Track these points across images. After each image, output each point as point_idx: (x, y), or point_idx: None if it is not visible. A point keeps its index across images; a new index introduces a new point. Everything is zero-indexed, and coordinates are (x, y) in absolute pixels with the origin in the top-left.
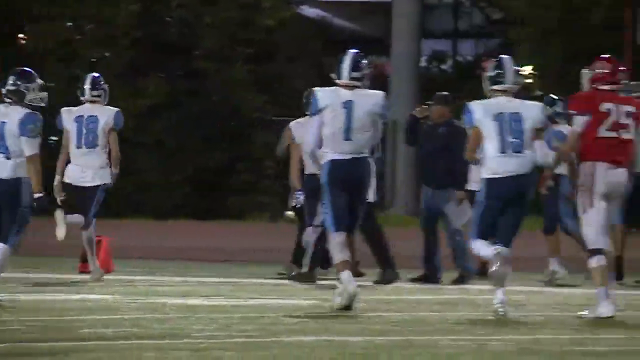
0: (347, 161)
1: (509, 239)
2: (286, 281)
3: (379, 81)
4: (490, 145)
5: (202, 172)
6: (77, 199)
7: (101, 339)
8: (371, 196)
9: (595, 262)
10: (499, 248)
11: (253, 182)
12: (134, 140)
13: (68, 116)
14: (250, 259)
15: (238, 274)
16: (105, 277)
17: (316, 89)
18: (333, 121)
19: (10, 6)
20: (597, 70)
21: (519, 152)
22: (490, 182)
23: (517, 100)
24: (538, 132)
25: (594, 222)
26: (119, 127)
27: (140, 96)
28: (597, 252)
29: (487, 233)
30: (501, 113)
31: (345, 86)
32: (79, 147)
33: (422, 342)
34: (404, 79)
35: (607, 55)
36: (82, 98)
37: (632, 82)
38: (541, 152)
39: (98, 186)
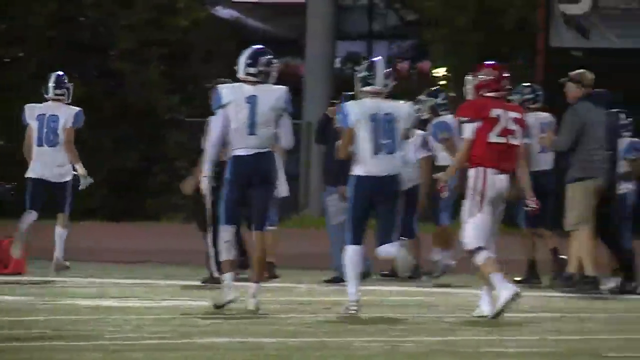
0: (252, 156)
1: (388, 237)
2: (199, 283)
3: (292, 82)
4: (365, 146)
5: (118, 173)
6: (42, 193)
7: (13, 341)
8: (283, 190)
9: (482, 257)
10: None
11: (168, 183)
12: None
13: (31, 113)
14: (165, 260)
15: (153, 276)
16: (20, 278)
17: (220, 85)
18: (237, 116)
19: None
20: (482, 77)
21: (391, 153)
22: (360, 181)
23: (389, 101)
24: (408, 131)
25: (479, 226)
26: (76, 126)
27: None
28: (479, 249)
29: (358, 231)
30: (376, 114)
31: (247, 81)
32: (40, 145)
33: (335, 344)
34: (319, 80)
35: (492, 62)
36: (45, 96)
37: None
38: (411, 151)
39: (65, 183)
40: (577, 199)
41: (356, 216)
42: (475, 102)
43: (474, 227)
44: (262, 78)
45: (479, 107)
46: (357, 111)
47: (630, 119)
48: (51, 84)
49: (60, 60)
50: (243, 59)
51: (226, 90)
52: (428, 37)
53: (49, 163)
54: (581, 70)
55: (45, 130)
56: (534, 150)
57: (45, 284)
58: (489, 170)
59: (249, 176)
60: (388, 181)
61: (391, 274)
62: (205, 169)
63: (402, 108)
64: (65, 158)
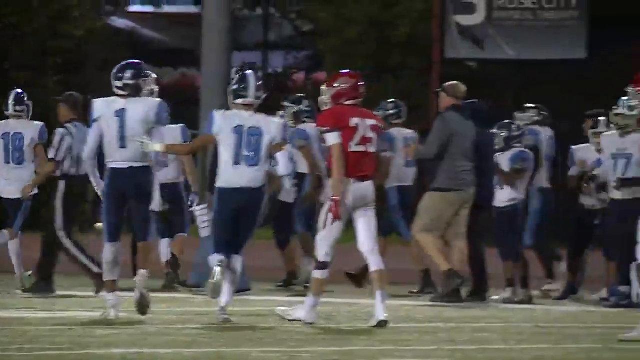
0: (124, 170)
1: (238, 249)
2: (94, 293)
3: (190, 92)
4: (226, 156)
5: None
6: (9, 211)
7: None
8: (156, 205)
9: (320, 274)
10: (221, 259)
11: None
12: None
13: None
14: (59, 271)
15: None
16: None
17: (95, 100)
18: (108, 130)
19: None
20: (339, 86)
21: (253, 165)
22: (222, 193)
23: (260, 115)
24: (278, 147)
25: (332, 236)
26: (41, 142)
27: None
28: (324, 265)
29: (222, 243)
30: (241, 126)
31: (119, 95)
32: (7, 162)
33: (232, 354)
34: (215, 91)
35: (347, 71)
36: (6, 113)
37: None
38: (283, 164)
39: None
40: (430, 208)
41: (219, 227)
42: (335, 111)
43: (324, 240)
44: (130, 91)
45: (339, 116)
46: (221, 122)
47: (522, 130)
48: (11, 102)
49: None
50: (112, 73)
51: (98, 104)
52: (322, 47)
53: (14, 179)
54: (454, 82)
55: (11, 149)
56: (398, 164)
57: None
58: (351, 180)
59: (123, 189)
60: (248, 193)
61: (285, 284)
62: (93, 183)
63: (272, 124)
64: (31, 174)
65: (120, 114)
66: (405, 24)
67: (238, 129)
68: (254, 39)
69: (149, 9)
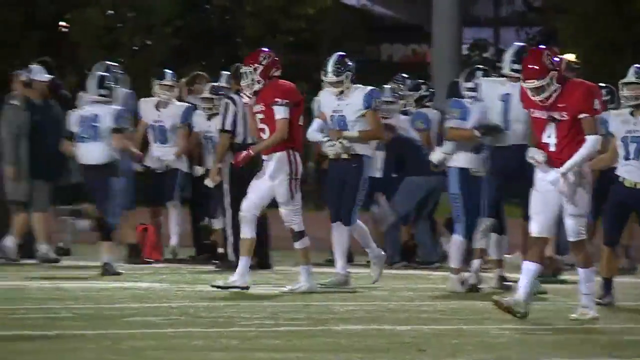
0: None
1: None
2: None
3: (419, 68)
4: None
5: None
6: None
7: (150, 327)
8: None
9: (305, 242)
10: None
11: None
12: None
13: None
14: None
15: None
16: (154, 265)
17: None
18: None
19: None
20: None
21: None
22: None
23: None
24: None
25: (299, 210)
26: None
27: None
28: (303, 233)
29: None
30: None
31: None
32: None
33: (472, 331)
34: (446, 66)
35: (264, 49)
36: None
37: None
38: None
39: (175, 170)
40: None
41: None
42: (288, 87)
43: (297, 211)
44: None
45: (293, 91)
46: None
47: None
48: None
49: (187, 48)
50: (506, 57)
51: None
52: (555, 24)
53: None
54: None
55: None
56: None
57: (176, 270)
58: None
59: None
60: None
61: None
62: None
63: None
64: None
65: (506, 98)
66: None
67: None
68: (484, 14)
69: None
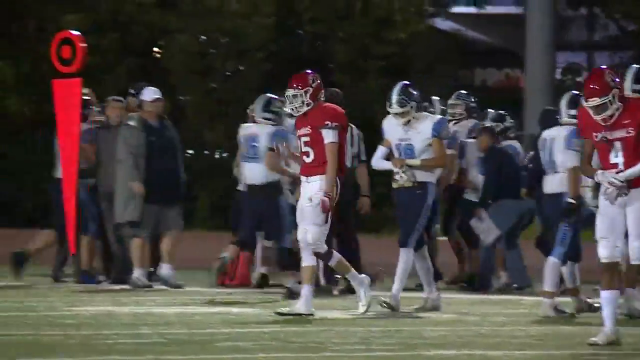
0: None
1: None
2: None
3: (512, 93)
4: None
5: None
6: None
7: (240, 352)
8: None
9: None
10: None
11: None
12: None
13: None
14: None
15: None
16: (246, 290)
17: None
18: None
19: (147, 20)
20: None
21: None
22: None
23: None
24: None
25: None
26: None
27: None
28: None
29: None
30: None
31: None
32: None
33: (562, 356)
34: (539, 91)
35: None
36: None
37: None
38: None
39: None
40: None
41: None
42: (337, 109)
43: (325, 233)
44: None
45: (342, 114)
46: None
47: None
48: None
49: (280, 73)
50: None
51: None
52: None
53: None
54: None
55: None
56: None
57: (270, 296)
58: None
59: None
60: None
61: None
62: None
63: None
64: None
65: None
66: None
67: None
68: (578, 39)
69: (471, 9)
